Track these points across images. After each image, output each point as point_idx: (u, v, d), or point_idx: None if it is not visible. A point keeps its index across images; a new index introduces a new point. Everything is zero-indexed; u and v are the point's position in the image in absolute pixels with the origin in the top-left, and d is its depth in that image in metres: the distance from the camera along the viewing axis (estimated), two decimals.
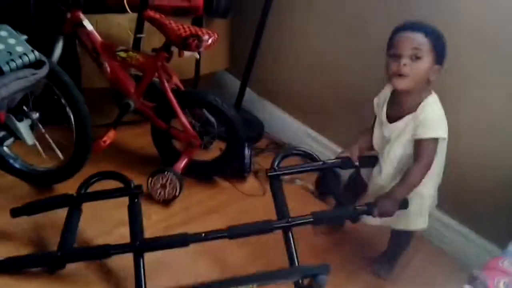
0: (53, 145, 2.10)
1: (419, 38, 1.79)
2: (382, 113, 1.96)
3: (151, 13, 2.18)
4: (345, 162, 2.04)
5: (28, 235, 1.95)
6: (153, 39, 2.36)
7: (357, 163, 2.03)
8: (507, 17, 2.03)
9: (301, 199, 2.44)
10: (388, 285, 2.11)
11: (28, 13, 2.10)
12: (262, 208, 2.32)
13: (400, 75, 1.81)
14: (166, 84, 2.22)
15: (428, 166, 1.87)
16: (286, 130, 2.85)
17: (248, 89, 2.76)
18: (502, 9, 2.04)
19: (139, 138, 2.53)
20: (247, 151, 2.47)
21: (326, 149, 2.70)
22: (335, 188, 2.11)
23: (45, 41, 2.12)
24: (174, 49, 2.18)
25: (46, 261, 1.82)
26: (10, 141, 1.97)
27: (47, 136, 2.08)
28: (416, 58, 1.79)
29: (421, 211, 1.98)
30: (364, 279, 2.11)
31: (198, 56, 2.35)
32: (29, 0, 2.09)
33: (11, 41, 1.71)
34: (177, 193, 2.20)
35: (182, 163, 2.28)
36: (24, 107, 1.96)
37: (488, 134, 2.20)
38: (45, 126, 2.07)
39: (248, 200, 2.39)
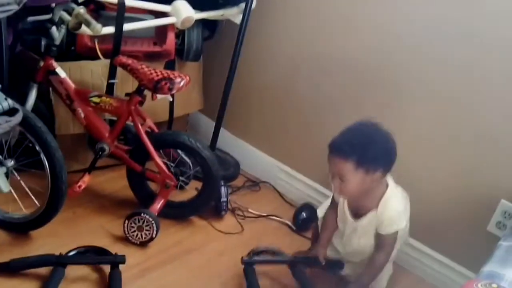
0: (29, 192, 2.10)
1: (340, 164, 1.86)
2: (345, 209, 2.06)
3: (123, 59, 2.23)
4: (312, 260, 2.14)
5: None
6: (126, 84, 2.40)
7: (324, 263, 2.13)
8: None
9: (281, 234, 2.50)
10: None
11: (0, 62, 2.13)
12: (240, 245, 2.35)
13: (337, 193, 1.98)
14: (140, 127, 2.25)
15: (390, 253, 2.03)
16: (262, 168, 2.88)
17: (222, 129, 2.80)
18: None
19: (115, 182, 2.54)
20: (223, 190, 2.49)
21: (301, 184, 2.74)
22: (304, 278, 2.16)
23: (18, 89, 2.15)
24: (147, 93, 2.22)
25: None
26: None
27: (22, 183, 2.09)
28: (343, 181, 1.88)
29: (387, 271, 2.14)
30: None
31: (171, 99, 2.40)
32: (1, 48, 2.11)
33: None
34: (154, 235, 2.20)
35: (158, 205, 2.29)
36: None
37: (455, 164, 2.26)
38: (20, 173, 2.08)
39: (225, 239, 2.40)
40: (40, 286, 1.91)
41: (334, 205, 2.13)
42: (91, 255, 2.08)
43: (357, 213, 2.03)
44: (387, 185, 1.98)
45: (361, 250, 2.07)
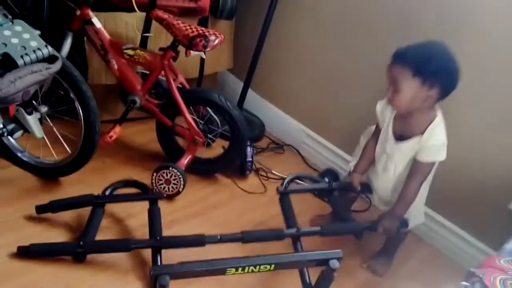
0: (61, 139, 2.14)
1: (397, 70, 1.82)
2: (389, 130, 2.01)
3: (159, 13, 2.23)
4: (347, 187, 2.18)
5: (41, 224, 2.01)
6: (159, 39, 2.41)
7: (359, 189, 2.14)
8: None
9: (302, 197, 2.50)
10: (385, 282, 2.16)
11: (41, 8, 2.14)
12: (263, 205, 2.39)
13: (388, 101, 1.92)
14: (172, 83, 2.26)
15: (421, 184, 1.99)
16: (287, 131, 2.90)
17: (250, 90, 2.81)
18: None
19: (144, 135, 2.57)
20: (249, 150, 2.52)
21: (324, 149, 2.76)
22: (339, 206, 2.23)
23: (55, 37, 2.16)
24: (181, 49, 2.23)
25: (68, 251, 1.88)
26: (19, 133, 2.00)
27: (55, 129, 2.12)
28: (395, 90, 1.84)
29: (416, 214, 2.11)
30: (362, 276, 2.16)
31: (204, 56, 2.40)
32: None
33: (26, 36, 1.75)
34: (180, 189, 2.24)
35: (185, 160, 2.32)
36: (33, 101, 2.00)
37: (479, 140, 2.26)
38: (53, 120, 2.12)
39: (249, 198, 2.44)
40: (68, 230, 1.97)
41: (377, 132, 2.09)
42: (129, 194, 2.14)
43: (401, 137, 1.97)
44: (436, 114, 1.93)
45: (396, 181, 2.04)
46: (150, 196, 2.07)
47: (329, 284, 1.77)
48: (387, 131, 2.01)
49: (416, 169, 1.96)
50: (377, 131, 2.09)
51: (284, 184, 2.21)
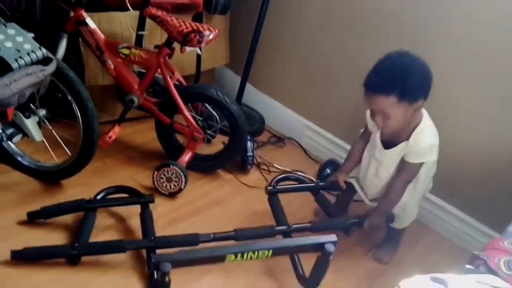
0: (60, 142, 2.13)
1: (382, 101, 1.80)
2: (376, 138, 2.03)
3: (153, 10, 2.22)
4: (333, 185, 2.23)
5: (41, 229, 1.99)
6: (154, 36, 2.41)
7: (344, 188, 2.18)
8: None
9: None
10: (390, 269, 2.15)
11: (33, 11, 2.14)
12: (265, 199, 2.36)
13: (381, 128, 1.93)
14: (169, 80, 2.26)
15: (408, 182, 2.01)
16: (287, 124, 2.89)
17: (248, 84, 2.80)
18: None
19: (143, 134, 2.57)
20: (249, 144, 2.51)
21: (326, 141, 2.75)
22: (326, 204, 2.25)
23: (50, 39, 2.16)
24: (176, 45, 2.22)
25: (62, 253, 1.86)
26: (18, 137, 2.00)
27: (54, 132, 2.12)
28: (386, 117, 1.84)
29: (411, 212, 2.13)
30: (367, 265, 2.16)
31: (199, 52, 2.39)
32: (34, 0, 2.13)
33: (19, 39, 1.75)
34: (182, 186, 2.24)
35: (186, 157, 2.32)
36: (31, 105, 2.00)
37: (480, 125, 2.25)
38: (51, 122, 2.12)
39: (251, 192, 2.44)
40: (69, 234, 1.97)
41: (365, 136, 2.12)
42: (120, 198, 2.12)
43: (388, 143, 1.99)
44: (421, 117, 1.94)
45: (388, 184, 2.05)
46: (141, 200, 2.07)
47: (325, 268, 1.79)
48: (375, 139, 2.04)
49: (403, 168, 2.00)
50: (366, 133, 2.12)
51: (272, 183, 2.24)
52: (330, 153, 2.72)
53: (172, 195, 2.26)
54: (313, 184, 2.29)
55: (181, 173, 2.22)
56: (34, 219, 1.98)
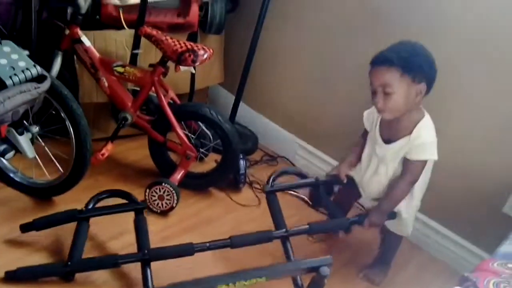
0: (53, 158, 2.14)
1: (384, 72, 1.81)
2: (376, 133, 2.01)
3: (148, 29, 2.24)
4: (334, 180, 2.17)
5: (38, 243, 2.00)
6: (149, 55, 2.42)
7: (345, 181, 2.14)
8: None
9: (299, 207, 2.55)
10: None
11: (29, 29, 2.16)
12: (257, 218, 2.40)
13: (380, 110, 1.89)
14: (163, 98, 2.27)
15: (413, 183, 1.97)
16: (280, 142, 2.91)
17: (242, 103, 2.82)
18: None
19: (136, 151, 2.58)
20: (242, 163, 2.52)
21: (318, 160, 2.76)
22: (326, 201, 2.21)
23: (45, 57, 2.17)
24: (170, 64, 2.24)
25: (56, 271, 1.86)
26: (11, 154, 2.00)
27: (46, 149, 2.13)
28: (386, 93, 1.83)
29: (412, 218, 2.08)
30: (359, 286, 2.16)
31: (194, 71, 2.41)
32: (30, 15, 2.14)
33: (14, 56, 1.77)
34: (174, 204, 2.24)
35: (178, 175, 2.33)
36: (24, 121, 2.00)
37: (472, 144, 2.27)
38: (44, 139, 2.12)
39: (243, 211, 2.44)
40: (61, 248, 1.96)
41: (365, 134, 2.11)
42: (113, 206, 2.08)
43: (389, 139, 1.97)
44: (423, 114, 1.93)
45: (388, 183, 2.03)
46: (135, 206, 2.03)
47: None
48: (375, 135, 2.01)
49: (407, 168, 1.95)
50: (364, 135, 2.11)
51: (270, 181, 2.16)
52: (323, 173, 2.72)
53: (164, 213, 2.26)
54: (313, 180, 2.19)
55: (173, 191, 2.22)
56: (27, 230, 1.97)
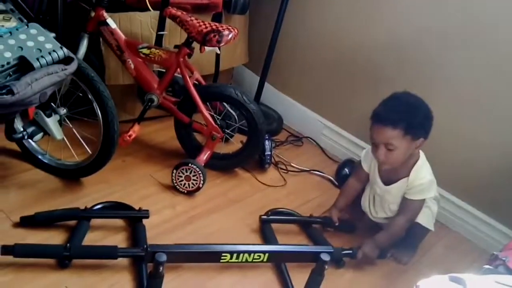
0: (81, 140, 2.16)
1: (389, 133, 1.90)
2: (375, 175, 2.12)
3: (173, 10, 2.23)
4: (326, 221, 2.23)
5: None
6: (174, 36, 2.42)
7: (337, 224, 2.21)
8: None
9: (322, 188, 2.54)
10: (409, 270, 2.14)
11: (55, 10, 2.17)
12: (283, 197, 2.40)
13: (382, 163, 2.00)
14: (188, 79, 2.27)
15: (411, 221, 2.07)
16: (305, 123, 2.90)
17: (266, 84, 2.81)
18: None
19: (162, 133, 2.59)
20: (267, 144, 2.51)
21: (344, 139, 2.75)
22: (318, 238, 2.21)
23: (71, 39, 2.19)
24: (195, 45, 2.24)
25: (54, 253, 1.81)
26: (39, 136, 2.03)
27: (74, 131, 2.15)
28: (389, 149, 1.92)
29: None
30: (386, 265, 2.14)
31: (219, 51, 2.40)
32: (55, 1, 2.16)
33: (41, 38, 1.78)
34: (200, 185, 2.25)
35: (204, 156, 2.33)
36: (52, 104, 2.02)
37: (499, 124, 2.24)
38: (72, 121, 2.15)
39: (269, 191, 2.44)
40: (66, 239, 1.93)
41: (359, 174, 2.20)
42: (115, 210, 2.09)
43: (388, 180, 2.08)
44: (419, 155, 2.04)
45: (392, 216, 2.13)
46: (136, 214, 2.04)
47: (320, 280, 1.75)
48: (375, 177, 2.12)
49: (406, 206, 2.06)
50: (359, 171, 2.20)
51: (268, 214, 2.20)
52: (349, 153, 2.72)
53: (190, 193, 2.27)
54: (306, 218, 2.24)
55: (200, 172, 2.23)
56: (27, 224, 1.93)
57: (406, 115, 1.89)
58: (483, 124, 2.27)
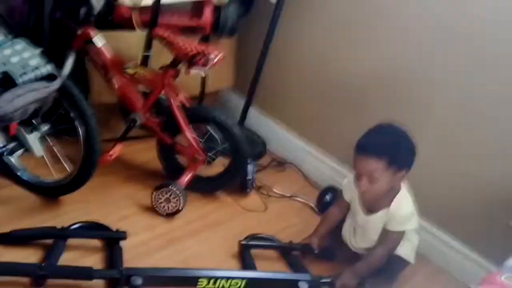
0: (61, 158, 2.14)
1: (372, 165, 1.90)
2: (356, 206, 2.13)
3: (161, 31, 2.24)
4: (306, 248, 2.21)
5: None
6: (160, 57, 2.42)
7: (316, 251, 2.19)
8: None
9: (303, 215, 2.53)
10: None
11: (41, 26, 2.17)
12: (264, 223, 2.38)
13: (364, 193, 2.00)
14: (173, 101, 2.27)
15: (391, 251, 2.06)
16: (289, 148, 2.89)
17: (252, 108, 2.81)
18: None
19: (145, 153, 2.57)
20: (250, 168, 2.51)
21: (326, 166, 2.75)
22: (297, 266, 2.19)
23: (57, 56, 2.17)
24: (181, 67, 2.24)
25: (29, 271, 1.78)
26: (19, 152, 2.02)
27: (55, 148, 2.13)
28: (372, 181, 1.92)
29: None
30: None
31: (203, 74, 2.41)
32: (42, 13, 2.16)
33: (26, 54, 1.78)
34: (180, 207, 2.23)
35: (186, 178, 2.32)
36: (34, 120, 2.01)
37: (481, 157, 2.25)
38: (54, 138, 2.12)
39: (249, 216, 2.43)
40: (41, 257, 1.90)
41: (341, 203, 2.21)
42: (92, 230, 2.08)
43: (370, 210, 2.08)
44: (400, 186, 2.04)
45: (370, 246, 2.13)
46: (113, 235, 2.03)
47: None
48: (356, 206, 2.12)
49: (386, 237, 2.06)
50: (341, 201, 2.21)
51: (247, 240, 2.19)
52: (331, 180, 2.71)
53: (170, 216, 2.25)
54: (286, 245, 2.23)
55: (180, 194, 2.21)
56: (3, 241, 1.91)
57: (390, 148, 1.90)
58: (463, 157, 2.28)
